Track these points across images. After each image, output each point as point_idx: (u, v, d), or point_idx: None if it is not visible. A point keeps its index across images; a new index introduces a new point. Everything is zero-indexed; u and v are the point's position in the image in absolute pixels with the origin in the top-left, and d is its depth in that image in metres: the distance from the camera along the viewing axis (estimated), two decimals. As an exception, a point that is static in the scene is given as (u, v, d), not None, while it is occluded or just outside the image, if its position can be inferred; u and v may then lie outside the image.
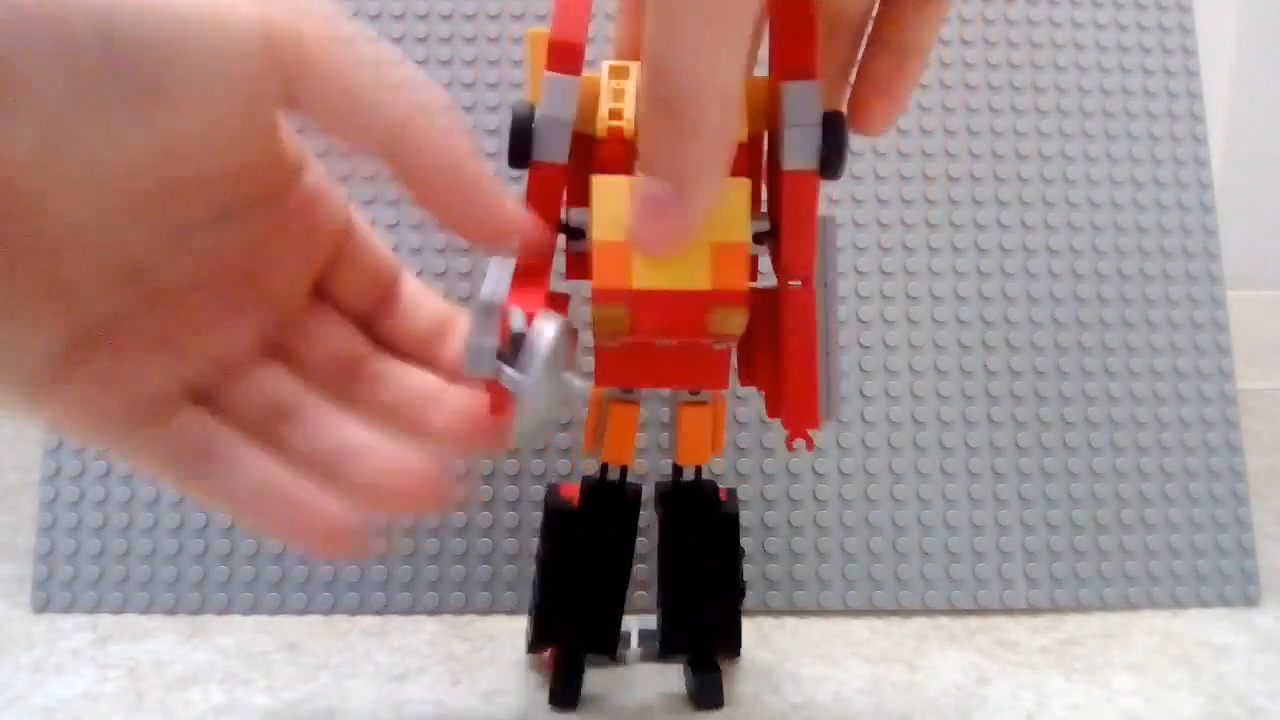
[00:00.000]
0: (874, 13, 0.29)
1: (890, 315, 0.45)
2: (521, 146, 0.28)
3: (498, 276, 0.26)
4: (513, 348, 0.24)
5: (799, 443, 0.29)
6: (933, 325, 0.45)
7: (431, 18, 0.46)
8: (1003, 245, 0.46)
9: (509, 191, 0.27)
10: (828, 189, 0.45)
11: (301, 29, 0.23)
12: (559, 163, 0.28)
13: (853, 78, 0.30)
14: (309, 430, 0.26)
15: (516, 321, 0.25)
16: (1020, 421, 0.44)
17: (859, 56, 0.29)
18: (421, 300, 0.30)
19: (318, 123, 0.24)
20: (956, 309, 0.45)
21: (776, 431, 0.44)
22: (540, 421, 0.25)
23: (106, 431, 0.25)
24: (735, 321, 0.27)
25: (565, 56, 0.27)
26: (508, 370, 0.24)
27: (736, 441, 0.43)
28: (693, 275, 0.26)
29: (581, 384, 0.26)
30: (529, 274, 0.27)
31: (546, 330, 0.24)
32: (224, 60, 0.22)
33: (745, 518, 0.43)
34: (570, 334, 0.26)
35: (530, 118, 0.28)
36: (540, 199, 0.28)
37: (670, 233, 0.25)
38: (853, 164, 0.46)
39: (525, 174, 0.28)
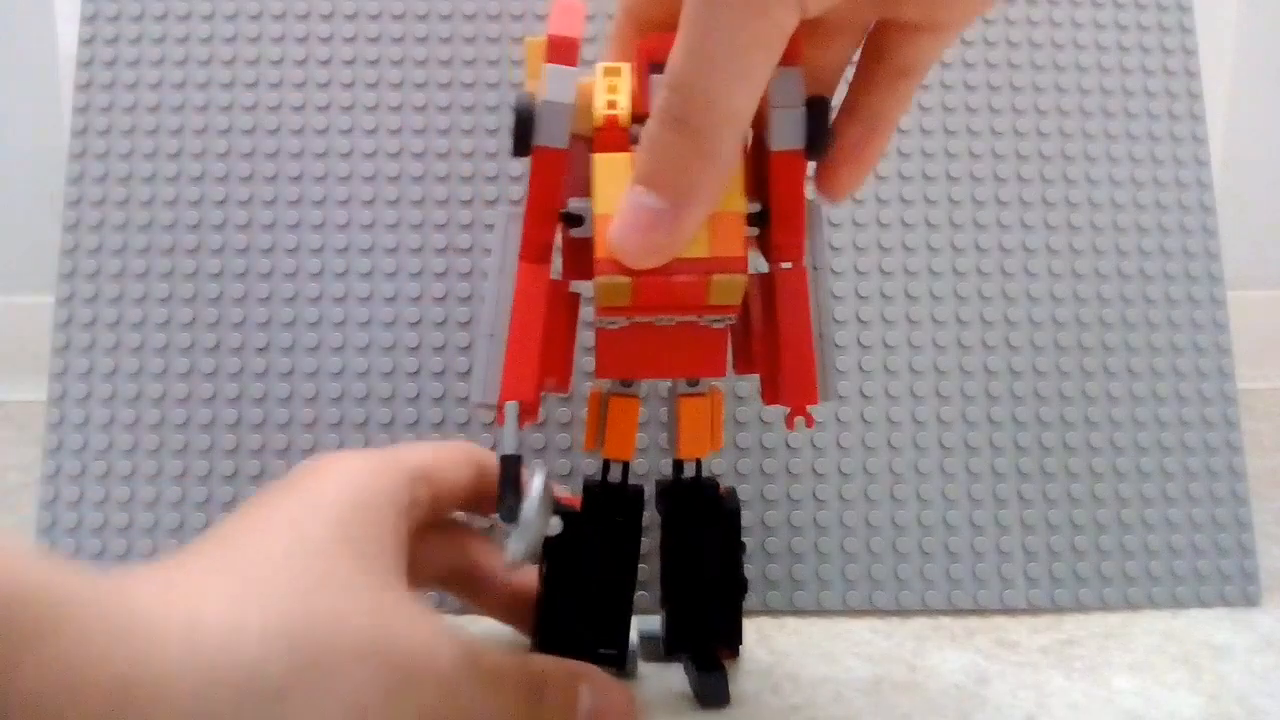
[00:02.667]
0: (849, 80, 0.30)
1: (890, 315, 0.45)
2: (524, 132, 0.29)
3: (485, 368, 0.30)
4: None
5: (799, 422, 0.30)
6: (933, 325, 0.45)
7: (431, 18, 0.46)
8: (1003, 245, 0.46)
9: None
10: (828, 189, 0.45)
11: None
12: (560, 147, 0.29)
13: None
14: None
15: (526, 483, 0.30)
16: (1020, 421, 0.44)
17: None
18: None
19: None
20: (956, 309, 0.45)
21: (777, 432, 0.44)
22: (531, 546, 0.31)
23: None
24: (733, 289, 0.28)
25: (563, 50, 0.29)
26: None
27: (736, 441, 0.43)
28: (691, 244, 0.27)
29: (558, 522, 0.31)
30: (519, 351, 0.30)
31: (535, 481, 0.30)
32: None
33: (745, 518, 0.43)
34: (551, 481, 0.32)
35: (531, 105, 0.29)
36: (542, 184, 0.29)
37: (658, 245, 0.26)
38: (853, 164, 0.46)
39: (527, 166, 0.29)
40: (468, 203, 0.45)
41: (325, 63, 0.46)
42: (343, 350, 0.44)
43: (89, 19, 0.46)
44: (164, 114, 0.45)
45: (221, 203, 0.45)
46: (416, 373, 0.44)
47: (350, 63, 0.46)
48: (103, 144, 0.45)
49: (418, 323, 0.44)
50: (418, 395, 0.44)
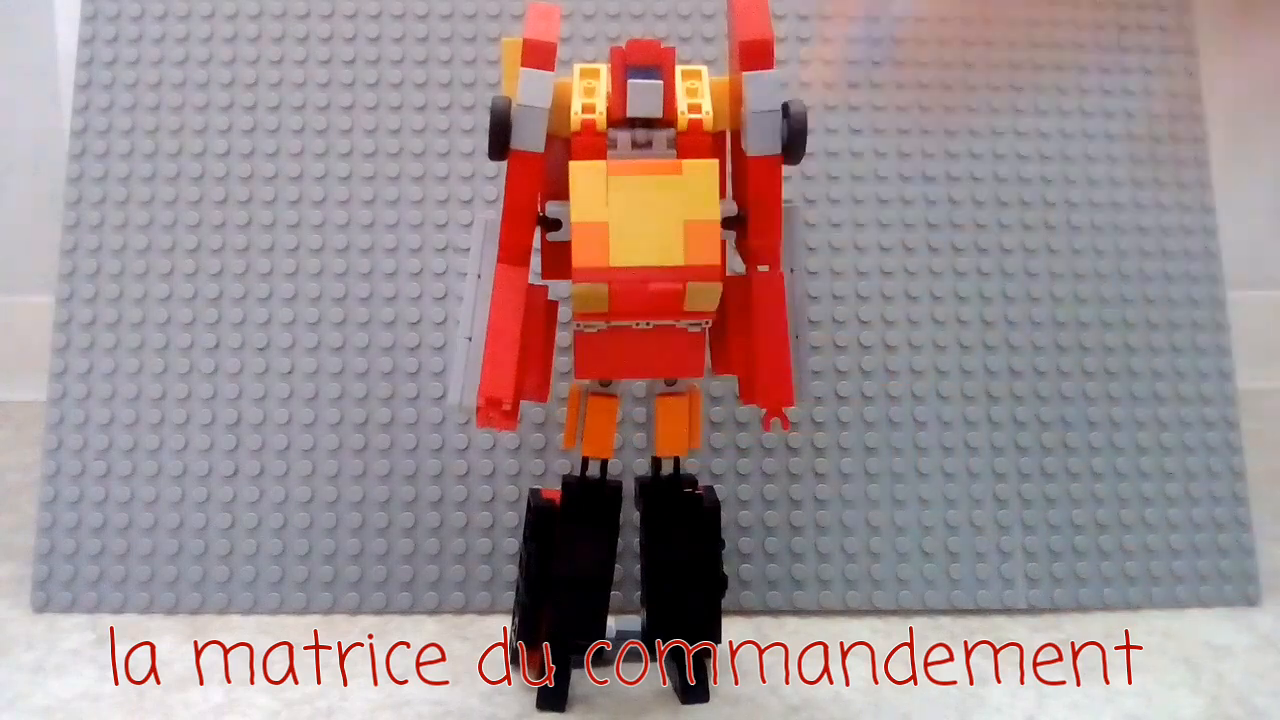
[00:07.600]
0: None
1: (890, 315, 0.45)
2: (501, 137, 0.29)
3: (463, 370, 0.30)
4: None
5: (775, 423, 0.30)
6: (933, 325, 0.45)
7: (431, 18, 0.46)
8: (1003, 245, 0.46)
9: None
10: (827, 190, 0.45)
11: None
12: (537, 151, 0.29)
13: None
14: None
15: None
16: (1020, 421, 0.44)
17: None
18: None
19: None
20: (956, 309, 0.45)
21: (776, 431, 0.44)
22: None
23: None
24: (709, 297, 0.29)
25: (539, 54, 0.29)
26: None
27: (737, 442, 0.43)
28: (668, 252, 0.27)
29: None
30: (497, 351, 0.30)
31: None
32: None
33: (745, 518, 0.43)
34: None
35: (508, 110, 0.29)
36: (519, 187, 0.29)
37: None
38: (852, 164, 0.46)
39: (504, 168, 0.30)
40: (468, 202, 0.45)
41: (325, 63, 0.46)
42: (343, 350, 0.44)
43: (89, 19, 0.46)
44: (164, 114, 0.45)
45: (221, 203, 0.45)
46: (416, 373, 0.44)
47: (350, 63, 0.46)
48: (103, 144, 0.45)
49: (417, 322, 0.44)
50: (417, 395, 0.44)
